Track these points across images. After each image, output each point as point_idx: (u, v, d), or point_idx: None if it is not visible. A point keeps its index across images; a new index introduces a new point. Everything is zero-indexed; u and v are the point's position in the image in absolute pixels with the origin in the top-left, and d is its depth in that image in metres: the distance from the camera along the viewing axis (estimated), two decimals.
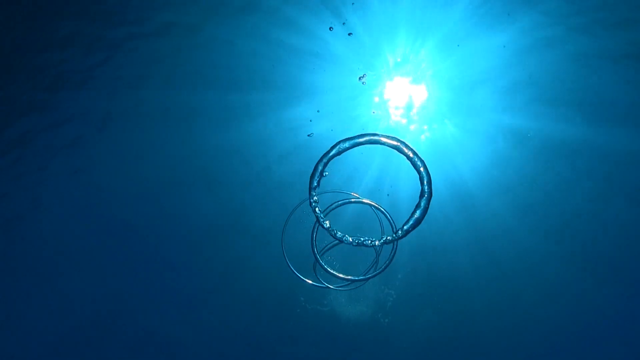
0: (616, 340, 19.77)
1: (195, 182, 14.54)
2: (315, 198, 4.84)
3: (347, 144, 4.47)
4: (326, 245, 8.33)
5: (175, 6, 9.37)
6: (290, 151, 13.15)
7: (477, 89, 10.70)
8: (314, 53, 10.17)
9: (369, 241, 5.37)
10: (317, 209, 4.82)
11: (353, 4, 9.09)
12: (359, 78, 10.77)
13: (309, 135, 12.23)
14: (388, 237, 5.34)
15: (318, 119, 11.93)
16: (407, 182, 13.41)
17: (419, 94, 10.97)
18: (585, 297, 17.98)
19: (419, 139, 12.03)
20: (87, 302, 19.06)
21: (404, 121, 11.55)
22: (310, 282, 9.16)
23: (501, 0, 8.93)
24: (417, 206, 4.99)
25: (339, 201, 7.58)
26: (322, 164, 4.54)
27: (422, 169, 4.55)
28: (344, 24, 9.66)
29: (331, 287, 9.29)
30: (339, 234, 5.18)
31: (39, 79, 10.11)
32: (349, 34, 9.93)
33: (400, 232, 5.26)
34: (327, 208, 7.34)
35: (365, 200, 7.67)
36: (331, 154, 4.46)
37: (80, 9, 9.09)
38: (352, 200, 7.75)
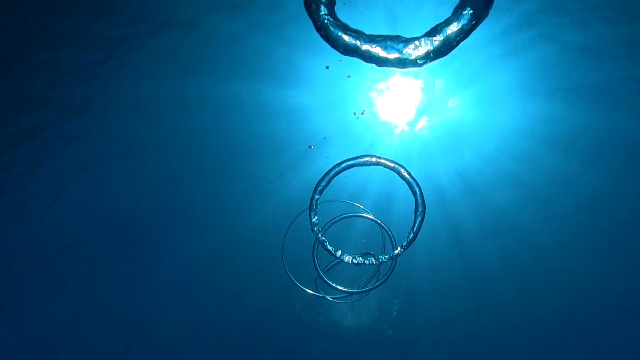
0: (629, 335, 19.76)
1: (196, 181, 14.71)
2: (315, 213, 4.93)
3: (341, 167, 4.63)
4: (329, 264, 8.39)
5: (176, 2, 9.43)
6: (294, 158, 13.28)
7: (481, 81, 10.65)
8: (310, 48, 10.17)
9: (357, 258, 5.54)
10: (316, 224, 4.90)
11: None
12: (355, 113, 10.92)
13: (310, 147, 12.13)
14: (380, 257, 5.54)
15: (318, 121, 11.94)
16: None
17: (421, 87, 11.09)
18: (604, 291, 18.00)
19: (423, 133, 12.02)
20: (88, 300, 19.21)
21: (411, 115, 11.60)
22: (310, 292, 9.13)
23: None
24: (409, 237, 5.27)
25: (341, 215, 7.84)
26: (322, 184, 4.68)
27: (418, 194, 4.74)
28: (340, 60, 9.90)
29: (328, 298, 9.29)
30: (338, 252, 5.28)
31: (40, 77, 10.17)
32: (348, 76, 10.46)
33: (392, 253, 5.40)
34: (329, 222, 7.61)
35: (367, 215, 7.80)
36: (331, 174, 4.59)
37: (80, 7, 9.16)
38: (354, 214, 7.89)
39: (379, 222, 7.60)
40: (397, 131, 11.98)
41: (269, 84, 11.06)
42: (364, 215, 8.08)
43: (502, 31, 9.53)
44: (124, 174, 13.77)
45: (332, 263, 8.54)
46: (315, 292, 9.42)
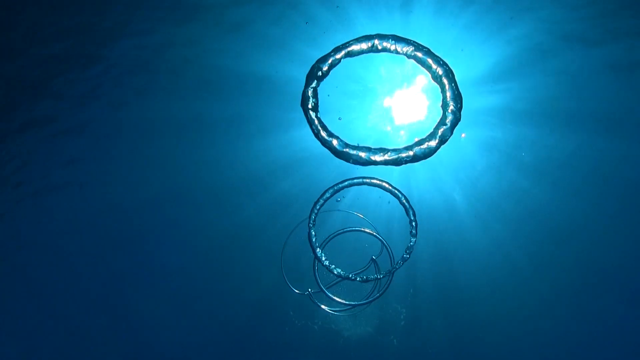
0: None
1: (198, 193, 14.75)
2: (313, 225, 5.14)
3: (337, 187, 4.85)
4: (331, 283, 8.51)
5: (174, 20, 9.54)
6: (295, 165, 13.34)
7: (473, 100, 10.76)
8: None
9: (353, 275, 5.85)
10: (313, 236, 5.08)
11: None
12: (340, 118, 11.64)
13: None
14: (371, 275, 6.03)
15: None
16: (407, 187, 13.31)
17: (416, 107, 11.28)
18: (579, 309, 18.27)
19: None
20: (84, 297, 19.19)
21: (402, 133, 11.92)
22: (323, 307, 9.53)
23: (501, 14, 9.11)
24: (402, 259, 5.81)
25: (340, 230, 8.06)
26: (320, 202, 4.87)
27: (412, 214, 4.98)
28: (340, 118, 10.98)
29: (327, 309, 9.67)
30: (334, 268, 5.50)
31: (42, 92, 10.35)
32: (339, 119, 11.18)
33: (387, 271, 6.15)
34: (328, 237, 7.88)
35: (366, 230, 8.05)
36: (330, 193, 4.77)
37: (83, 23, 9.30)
38: (352, 229, 8.18)
39: (380, 237, 7.74)
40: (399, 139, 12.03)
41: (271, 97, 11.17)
42: (363, 230, 8.16)
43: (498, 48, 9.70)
44: (129, 187, 13.89)
45: (334, 282, 8.66)
46: (314, 299, 9.53)
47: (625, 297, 17.26)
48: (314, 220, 4.74)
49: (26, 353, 20.45)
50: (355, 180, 4.56)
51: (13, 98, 10.42)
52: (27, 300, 18.33)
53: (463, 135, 11.77)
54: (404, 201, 4.77)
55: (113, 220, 15.58)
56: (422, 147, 2.35)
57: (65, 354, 21.01)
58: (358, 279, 5.59)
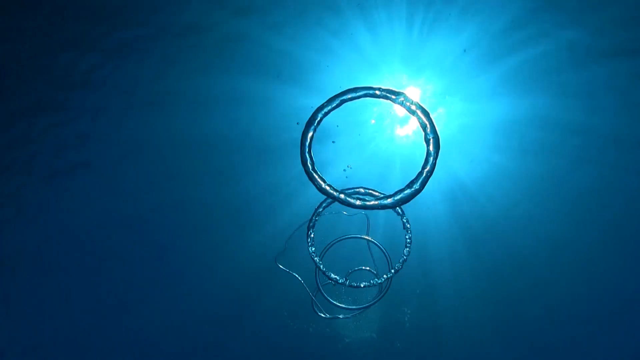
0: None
1: (200, 177, 14.60)
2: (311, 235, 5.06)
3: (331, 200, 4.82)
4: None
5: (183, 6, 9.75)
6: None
7: (472, 79, 10.82)
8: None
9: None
10: (313, 253, 4.99)
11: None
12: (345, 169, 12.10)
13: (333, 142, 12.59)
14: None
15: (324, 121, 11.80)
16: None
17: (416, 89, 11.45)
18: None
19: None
20: (92, 301, 18.97)
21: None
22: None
23: None
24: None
25: (338, 239, 8.21)
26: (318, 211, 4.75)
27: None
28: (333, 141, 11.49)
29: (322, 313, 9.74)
30: (332, 275, 5.38)
31: (51, 79, 10.58)
32: (333, 142, 11.71)
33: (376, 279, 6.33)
34: (326, 247, 7.99)
35: (364, 237, 8.15)
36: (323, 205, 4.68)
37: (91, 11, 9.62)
38: (351, 236, 8.27)
39: (379, 245, 7.85)
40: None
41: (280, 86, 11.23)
42: (361, 236, 8.25)
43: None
44: (131, 171, 13.80)
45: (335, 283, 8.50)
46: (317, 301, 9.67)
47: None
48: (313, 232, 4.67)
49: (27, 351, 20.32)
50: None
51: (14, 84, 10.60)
52: (29, 295, 18.08)
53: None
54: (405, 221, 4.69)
55: (113, 213, 15.38)
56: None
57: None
58: (363, 284, 5.54)
